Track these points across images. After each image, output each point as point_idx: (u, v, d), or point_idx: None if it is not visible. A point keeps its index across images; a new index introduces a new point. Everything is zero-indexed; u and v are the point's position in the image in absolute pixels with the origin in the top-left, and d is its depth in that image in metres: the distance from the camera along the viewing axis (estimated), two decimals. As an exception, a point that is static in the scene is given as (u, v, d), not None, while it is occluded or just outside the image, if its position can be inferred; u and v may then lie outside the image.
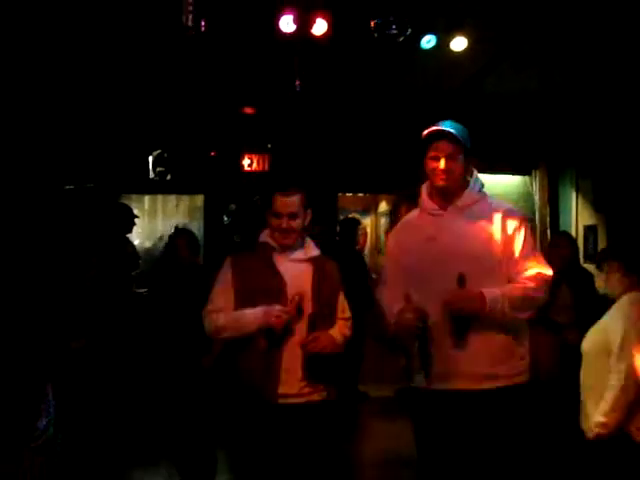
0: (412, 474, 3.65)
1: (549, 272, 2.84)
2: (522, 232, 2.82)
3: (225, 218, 7.92)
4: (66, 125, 6.72)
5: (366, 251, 9.94)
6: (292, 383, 2.94)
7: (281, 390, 2.92)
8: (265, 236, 3.13)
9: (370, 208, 12.36)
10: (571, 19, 4.73)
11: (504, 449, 2.77)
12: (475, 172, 2.96)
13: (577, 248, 5.41)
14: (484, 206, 2.88)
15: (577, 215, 6.99)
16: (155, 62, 6.20)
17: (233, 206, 7.67)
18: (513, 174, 7.74)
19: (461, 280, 2.68)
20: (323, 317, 3.01)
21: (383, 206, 11.48)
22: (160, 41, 5.79)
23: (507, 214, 2.85)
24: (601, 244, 6.44)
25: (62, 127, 6.68)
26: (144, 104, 7.00)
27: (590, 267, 5.81)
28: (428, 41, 4.94)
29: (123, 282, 5.77)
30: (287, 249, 3.08)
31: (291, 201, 3.04)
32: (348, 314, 3.17)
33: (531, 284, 2.77)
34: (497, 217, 2.82)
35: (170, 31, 5.43)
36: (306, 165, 7.30)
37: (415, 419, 2.99)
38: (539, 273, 2.79)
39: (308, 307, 2.97)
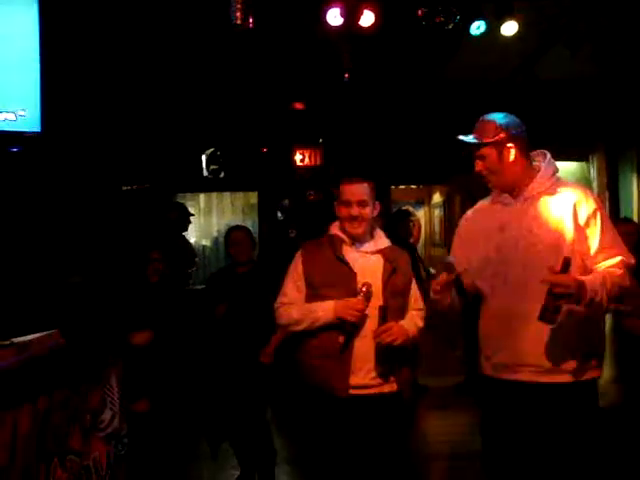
0: (473, 466, 3.62)
1: (633, 260, 2.71)
2: (598, 219, 2.69)
3: (279, 214, 7.98)
4: (122, 128, 6.87)
5: (420, 243, 9.87)
6: (363, 374, 2.93)
7: (352, 381, 2.92)
8: (334, 228, 3.12)
9: (423, 200, 12.28)
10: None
11: (569, 445, 2.69)
12: (548, 156, 2.88)
13: (640, 234, 5.23)
14: (556, 192, 2.76)
15: (639, 200, 6.77)
16: (206, 61, 6.28)
17: (287, 202, 7.73)
18: (570, 160, 7.55)
19: (566, 265, 2.51)
20: (395, 309, 2.99)
21: (437, 198, 11.39)
22: (211, 40, 5.87)
23: (582, 200, 2.72)
24: (665, 230, 6.21)
25: (118, 130, 6.83)
26: (196, 103, 7.11)
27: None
28: (478, 27, 4.87)
29: (180, 278, 5.88)
30: (357, 240, 3.05)
31: (360, 188, 3.02)
32: (421, 305, 3.12)
33: (619, 271, 2.64)
34: (570, 204, 2.71)
35: (220, 29, 5.50)
36: (358, 158, 7.29)
37: (482, 407, 2.94)
38: (623, 261, 2.66)
39: (379, 299, 2.94)
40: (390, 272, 3.03)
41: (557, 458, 2.70)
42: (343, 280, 2.94)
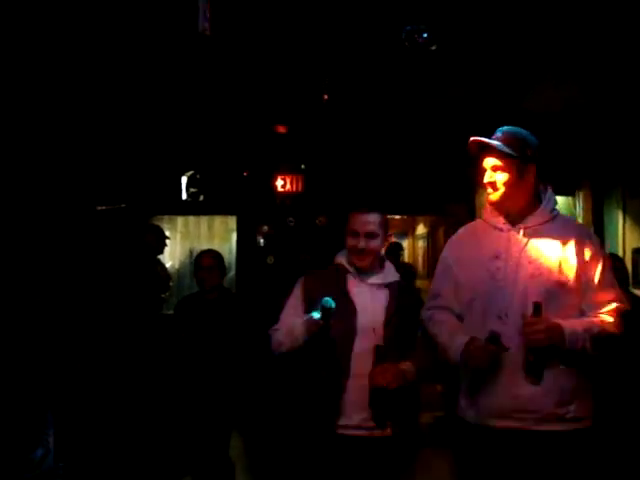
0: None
1: (627, 306, 2.59)
2: (600, 260, 2.56)
3: (260, 240, 7.80)
4: (99, 146, 6.71)
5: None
6: (355, 415, 2.79)
7: (342, 421, 2.78)
8: (341, 257, 2.97)
9: (407, 231, 12.16)
10: (616, 29, 4.49)
11: None
12: (549, 189, 2.71)
13: (626, 272, 5.09)
14: (557, 227, 2.63)
15: (624, 237, 6.65)
16: (188, 81, 6.15)
17: (266, 228, 7.55)
18: (556, 194, 7.44)
19: (537, 309, 2.41)
20: (395, 349, 2.83)
21: (420, 229, 11.27)
22: (193, 59, 5.74)
23: (584, 238, 2.60)
24: (650, 268, 6.10)
25: (95, 147, 6.66)
26: (177, 125, 6.96)
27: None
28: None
29: (151, 304, 5.67)
30: (363, 272, 2.89)
31: (370, 219, 2.88)
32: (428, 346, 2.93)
33: (609, 319, 2.50)
34: (572, 240, 2.57)
35: (201, 50, 5.38)
36: (340, 186, 7.16)
37: (460, 456, 2.72)
38: (618, 307, 2.53)
39: (378, 338, 2.81)
40: (394, 309, 2.85)
41: None
42: (342, 314, 2.77)
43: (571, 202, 7.52)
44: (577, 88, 5.50)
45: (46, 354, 2.59)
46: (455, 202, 7.28)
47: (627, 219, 6.65)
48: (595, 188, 7.18)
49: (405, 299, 2.92)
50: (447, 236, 9.38)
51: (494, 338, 2.46)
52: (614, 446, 3.36)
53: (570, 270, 2.52)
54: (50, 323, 3.11)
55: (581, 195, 7.36)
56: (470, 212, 6.84)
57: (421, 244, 11.30)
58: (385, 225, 2.93)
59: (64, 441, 2.46)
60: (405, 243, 11.83)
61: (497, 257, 2.57)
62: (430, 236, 10.50)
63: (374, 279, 2.91)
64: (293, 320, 2.88)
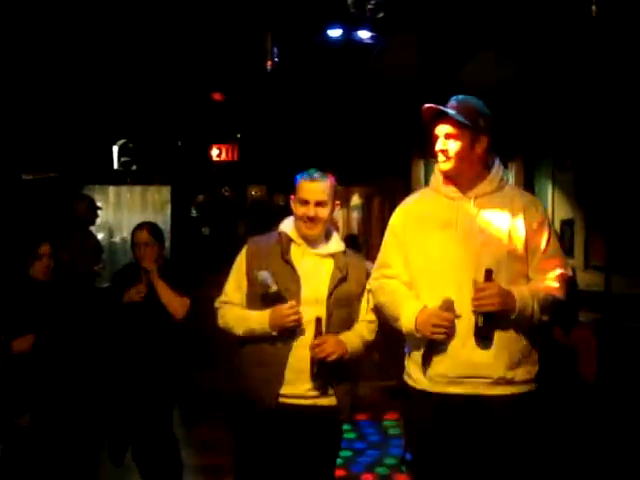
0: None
1: (570, 273, 2.65)
2: (546, 227, 2.61)
3: (193, 210, 7.69)
4: (27, 113, 6.44)
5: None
6: (299, 384, 2.76)
7: (286, 390, 2.75)
8: (286, 225, 2.89)
9: (341, 202, 12.21)
10: (549, 8, 4.58)
11: (512, 460, 2.55)
12: (497, 159, 2.73)
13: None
14: (506, 196, 2.64)
15: (553, 209, 6.86)
16: (118, 48, 5.96)
17: (201, 197, 7.45)
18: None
19: (488, 275, 2.45)
20: (339, 319, 2.80)
21: (355, 199, 11.32)
22: (125, 23, 5.55)
23: (531, 207, 2.63)
24: (578, 239, 6.31)
25: (23, 115, 6.40)
26: (108, 92, 6.74)
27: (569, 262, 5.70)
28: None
29: (83, 276, 5.51)
30: (309, 242, 2.84)
31: (320, 187, 2.79)
32: (372, 316, 2.89)
33: (555, 284, 2.55)
34: (520, 209, 2.60)
35: (134, 15, 5.21)
36: (275, 155, 7.11)
37: (411, 424, 2.75)
38: (562, 274, 2.58)
39: (321, 308, 2.77)
40: (338, 280, 2.80)
41: (498, 474, 2.56)
42: (286, 284, 2.73)
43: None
44: (512, 65, 5.59)
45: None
46: (391, 174, 7.33)
47: (556, 191, 6.85)
48: (527, 161, 7.35)
49: (350, 269, 2.90)
50: (382, 207, 9.47)
51: (447, 305, 2.49)
52: (554, 407, 3.50)
53: (518, 238, 2.58)
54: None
55: (513, 167, 7.52)
56: (406, 184, 6.91)
57: (355, 215, 11.37)
58: (334, 193, 2.87)
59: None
60: (339, 214, 11.88)
61: (448, 226, 2.60)
62: (365, 207, 10.57)
63: (319, 249, 2.85)
64: (249, 311, 2.80)
